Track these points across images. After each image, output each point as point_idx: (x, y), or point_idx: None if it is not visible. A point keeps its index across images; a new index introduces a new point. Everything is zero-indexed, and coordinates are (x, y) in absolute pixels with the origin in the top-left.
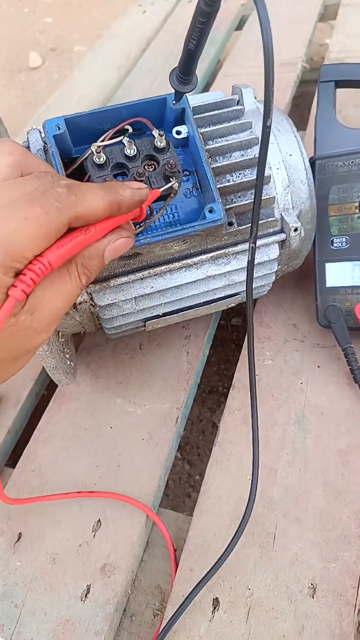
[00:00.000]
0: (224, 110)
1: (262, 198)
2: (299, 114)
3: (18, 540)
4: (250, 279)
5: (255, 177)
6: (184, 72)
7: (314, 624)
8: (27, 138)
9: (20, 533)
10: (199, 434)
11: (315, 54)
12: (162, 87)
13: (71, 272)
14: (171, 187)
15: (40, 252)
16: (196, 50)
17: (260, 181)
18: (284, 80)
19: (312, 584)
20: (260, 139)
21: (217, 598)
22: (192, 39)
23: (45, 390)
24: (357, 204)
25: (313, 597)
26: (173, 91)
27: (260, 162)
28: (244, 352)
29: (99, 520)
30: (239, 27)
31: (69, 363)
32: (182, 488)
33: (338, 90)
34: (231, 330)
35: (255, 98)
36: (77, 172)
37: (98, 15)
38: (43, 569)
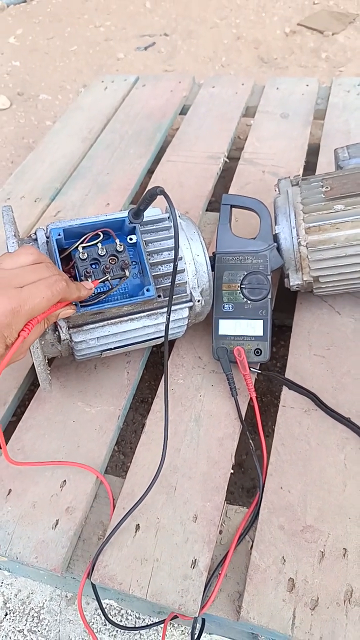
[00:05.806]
0: (159, 224)
1: (178, 282)
2: (224, 185)
3: (9, 493)
4: (167, 329)
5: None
6: (136, 215)
7: (193, 536)
8: (35, 233)
9: (10, 489)
10: (132, 433)
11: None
12: (118, 161)
13: (42, 323)
14: (124, 275)
15: None
16: (143, 210)
17: (174, 273)
18: (209, 171)
19: (195, 515)
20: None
21: (138, 524)
22: (141, 207)
23: (25, 396)
24: (239, 284)
25: (195, 522)
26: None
27: (175, 262)
28: None
29: (65, 480)
30: (183, 112)
31: (48, 374)
32: (117, 472)
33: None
34: (160, 356)
35: (179, 216)
36: (66, 257)
37: (62, 67)
38: (27, 511)
